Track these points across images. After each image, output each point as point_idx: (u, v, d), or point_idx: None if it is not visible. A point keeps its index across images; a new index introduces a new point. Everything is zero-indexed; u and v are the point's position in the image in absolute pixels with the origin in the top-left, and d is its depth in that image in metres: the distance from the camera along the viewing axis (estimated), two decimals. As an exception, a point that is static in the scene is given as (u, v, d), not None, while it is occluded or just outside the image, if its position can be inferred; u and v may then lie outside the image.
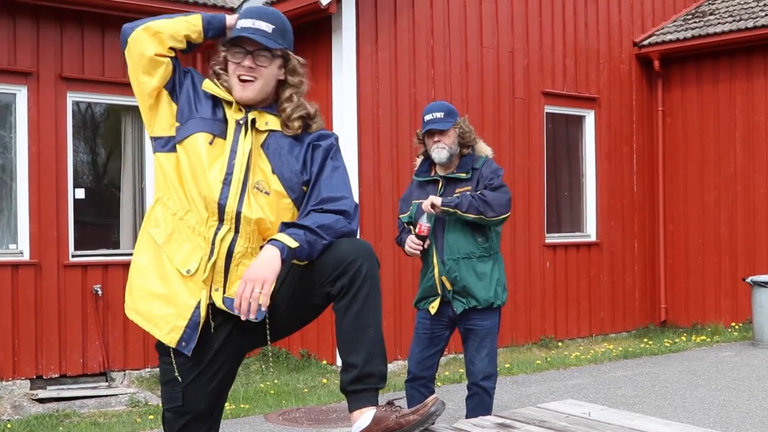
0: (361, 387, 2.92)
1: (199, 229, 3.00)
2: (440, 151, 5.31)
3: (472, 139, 5.41)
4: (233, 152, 3.02)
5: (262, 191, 3.03)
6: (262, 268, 2.84)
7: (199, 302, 2.99)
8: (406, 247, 5.36)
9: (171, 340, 3.02)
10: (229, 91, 3.11)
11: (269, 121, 3.11)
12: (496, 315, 5.39)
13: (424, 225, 5.24)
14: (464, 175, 5.35)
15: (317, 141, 3.14)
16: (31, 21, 9.37)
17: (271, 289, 2.85)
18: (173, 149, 3.06)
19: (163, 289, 3.02)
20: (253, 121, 3.09)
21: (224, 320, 3.04)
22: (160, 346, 3.12)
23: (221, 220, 2.99)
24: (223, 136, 3.05)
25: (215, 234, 2.99)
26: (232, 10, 10.12)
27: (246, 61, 3.05)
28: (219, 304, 3.00)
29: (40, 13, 9.38)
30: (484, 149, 5.51)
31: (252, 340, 3.16)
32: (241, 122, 3.07)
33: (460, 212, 5.18)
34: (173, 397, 3.12)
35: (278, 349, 10.37)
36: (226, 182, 2.99)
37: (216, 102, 3.12)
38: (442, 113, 5.34)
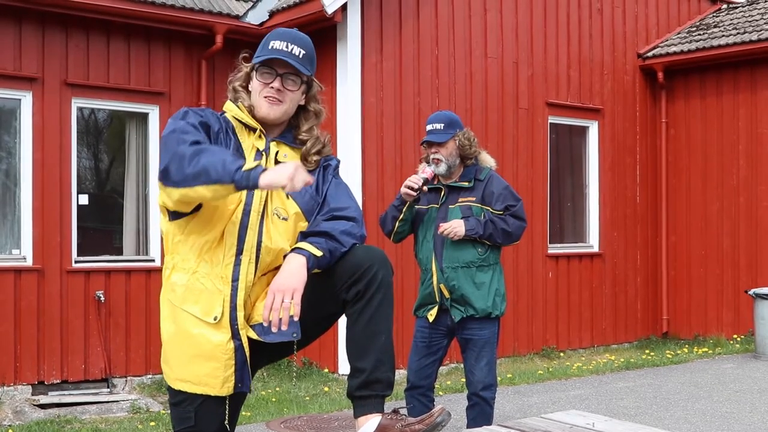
0: (368, 393, 2.92)
1: (214, 271, 2.95)
2: (437, 163, 5.34)
3: (472, 152, 5.39)
4: None
5: (280, 217, 3.00)
6: (291, 277, 2.82)
7: (239, 343, 2.96)
8: (405, 185, 5.22)
9: (228, 390, 2.98)
10: (250, 111, 3.07)
11: (287, 154, 3.10)
12: (494, 325, 5.39)
13: (428, 170, 5.25)
14: (467, 183, 5.36)
15: (325, 162, 3.16)
16: (36, 27, 9.40)
17: (300, 299, 2.83)
18: (197, 208, 2.95)
19: (196, 347, 2.97)
20: (275, 152, 3.07)
21: (251, 347, 3.02)
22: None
23: (240, 251, 2.95)
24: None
25: (236, 269, 2.95)
26: (237, 18, 10.14)
27: (275, 83, 3.02)
28: (253, 335, 2.97)
29: (45, 19, 9.41)
30: (487, 160, 5.52)
31: (268, 357, 3.15)
32: (262, 152, 3.04)
33: (480, 240, 5.26)
34: (185, 417, 3.05)
35: (280, 356, 10.35)
36: (245, 213, 2.95)
37: (231, 128, 3.08)
38: (442, 125, 5.35)
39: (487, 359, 5.33)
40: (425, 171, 5.25)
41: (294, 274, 2.83)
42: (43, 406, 8.96)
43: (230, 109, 3.11)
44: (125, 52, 9.90)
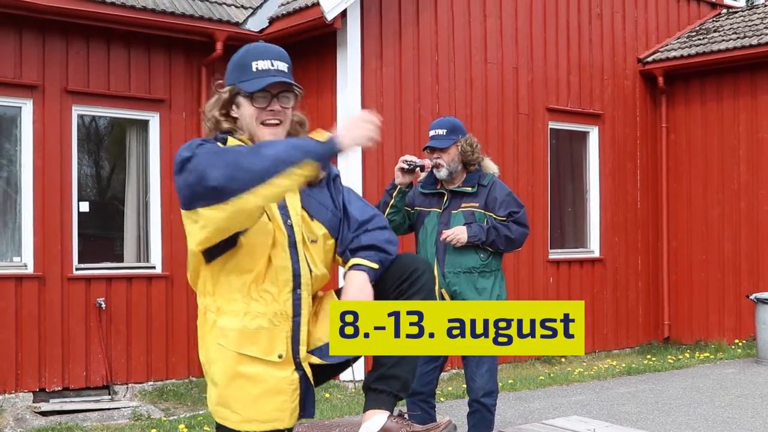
0: (382, 387, 2.90)
1: (270, 309, 2.87)
2: (439, 168, 5.34)
3: (474, 158, 5.39)
4: (284, 213, 2.90)
5: (310, 241, 2.94)
6: (359, 293, 2.82)
7: (302, 372, 2.92)
8: (401, 159, 5.24)
9: (294, 420, 2.93)
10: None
11: None
12: (495, 331, 5.38)
13: (427, 160, 5.27)
14: (470, 189, 5.36)
15: (332, 174, 3.08)
16: (37, 34, 9.41)
17: None
18: (233, 244, 2.82)
19: (261, 385, 2.87)
20: None
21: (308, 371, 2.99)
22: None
23: (298, 285, 2.88)
24: None
25: (296, 305, 2.89)
26: (237, 25, 10.15)
27: (274, 105, 2.88)
28: (315, 361, 2.93)
29: (46, 26, 9.42)
30: (490, 167, 5.53)
31: (326, 376, 3.10)
32: None
33: (483, 246, 5.25)
34: None
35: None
36: (291, 245, 2.88)
37: None
38: (445, 130, 5.37)
39: (488, 366, 5.32)
40: (424, 160, 5.27)
41: (360, 289, 2.83)
42: (44, 414, 8.96)
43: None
44: (125, 60, 9.91)
